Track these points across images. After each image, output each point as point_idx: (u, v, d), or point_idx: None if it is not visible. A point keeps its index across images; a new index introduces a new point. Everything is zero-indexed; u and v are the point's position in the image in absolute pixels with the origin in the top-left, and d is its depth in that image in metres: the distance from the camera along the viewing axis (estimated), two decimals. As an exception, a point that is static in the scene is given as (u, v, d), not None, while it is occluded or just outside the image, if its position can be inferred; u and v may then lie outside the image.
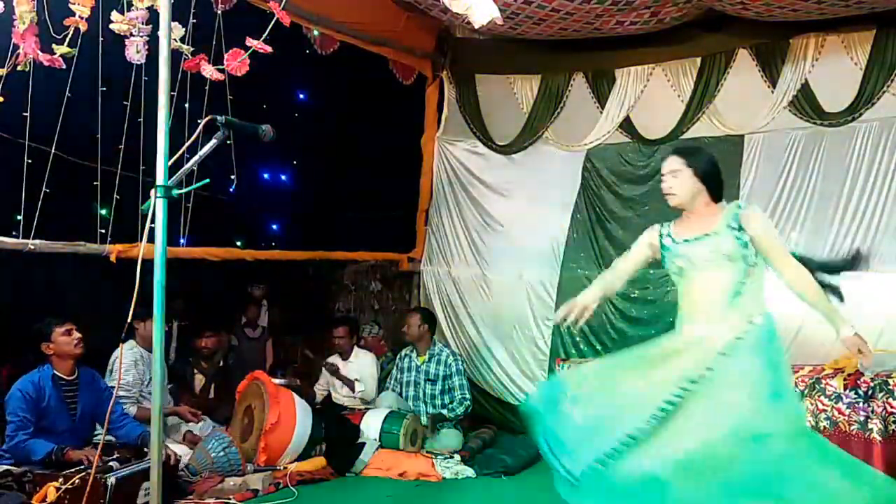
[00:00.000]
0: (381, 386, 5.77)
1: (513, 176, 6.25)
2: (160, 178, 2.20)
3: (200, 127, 2.33)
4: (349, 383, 5.62)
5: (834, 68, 5.18)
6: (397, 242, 6.57)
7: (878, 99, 5.03)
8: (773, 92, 5.37)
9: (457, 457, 4.92)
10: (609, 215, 5.94)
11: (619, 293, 5.81)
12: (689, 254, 3.00)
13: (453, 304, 6.44)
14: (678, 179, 3.01)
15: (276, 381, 5.20)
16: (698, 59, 5.66)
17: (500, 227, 6.28)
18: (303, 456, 4.75)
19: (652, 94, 5.83)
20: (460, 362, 5.49)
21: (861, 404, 3.88)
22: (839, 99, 5.16)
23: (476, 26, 2.68)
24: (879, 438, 3.79)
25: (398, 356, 5.72)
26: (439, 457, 4.88)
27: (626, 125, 5.89)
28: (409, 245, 6.64)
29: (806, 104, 5.26)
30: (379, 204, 5.95)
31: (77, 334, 3.95)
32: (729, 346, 2.83)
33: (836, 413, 3.93)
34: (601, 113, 5.93)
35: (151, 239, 2.17)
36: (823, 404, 3.96)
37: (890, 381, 3.86)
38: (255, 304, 6.45)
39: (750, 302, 2.90)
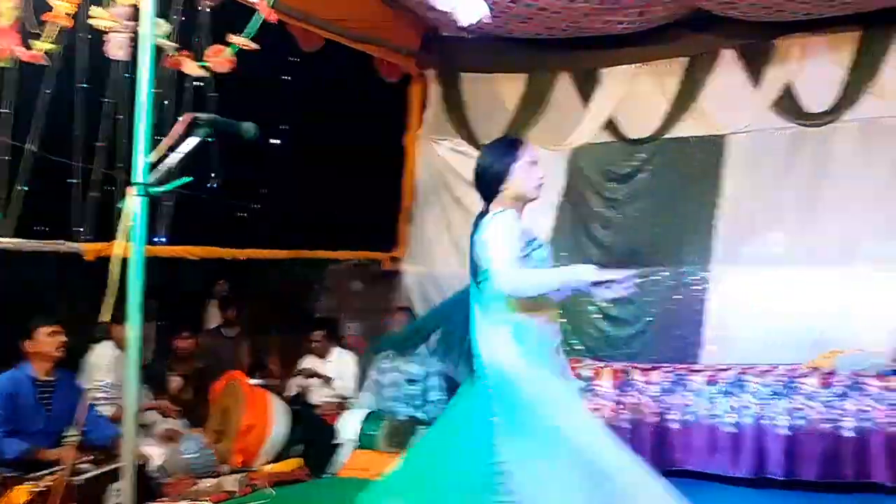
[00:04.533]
0: (362, 386, 5.73)
1: (497, 175, 6.22)
2: (139, 175, 2.16)
3: (181, 124, 2.30)
4: (328, 380, 5.58)
5: (817, 69, 5.23)
6: (380, 241, 6.52)
7: (861, 100, 5.09)
8: (757, 92, 5.41)
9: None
10: (592, 215, 5.95)
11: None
12: (540, 258, 2.66)
13: (434, 304, 6.41)
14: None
15: (253, 381, 5.15)
16: (683, 59, 5.67)
17: (483, 226, 6.25)
18: (279, 457, 4.71)
19: (637, 94, 5.83)
20: (441, 363, 5.46)
21: (836, 402, 3.94)
22: (822, 100, 5.21)
23: (464, 24, 2.66)
24: (852, 436, 3.84)
25: (379, 356, 5.67)
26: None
27: (611, 125, 5.89)
28: (392, 244, 6.61)
29: (789, 105, 5.31)
30: (362, 202, 5.92)
31: (62, 337, 3.89)
32: None
33: (811, 411, 3.99)
34: (586, 113, 5.93)
35: (130, 237, 2.13)
36: (799, 402, 4.02)
37: (863, 380, 3.92)
38: (230, 303, 6.40)
39: None
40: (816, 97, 5.24)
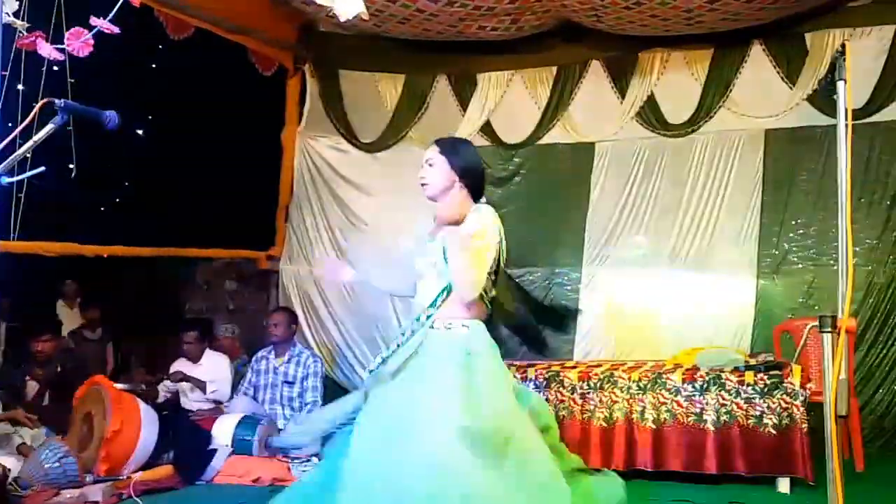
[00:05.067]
0: (235, 389, 5.55)
1: (377, 174, 6.22)
2: (-14, 165, 1.99)
3: (35, 110, 2.13)
4: (200, 384, 5.36)
5: (677, 82, 5.58)
6: (255, 240, 6.34)
7: (715, 113, 5.47)
8: (621, 102, 5.69)
9: (315, 460, 4.82)
10: (470, 217, 6.05)
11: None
12: (421, 255, 2.81)
13: (314, 304, 6.32)
14: (433, 169, 2.78)
15: (118, 385, 4.88)
16: (554, 69, 5.91)
17: (364, 225, 6.23)
18: (149, 464, 4.50)
19: (511, 100, 6.01)
20: (319, 364, 5.37)
21: (697, 397, 4.14)
22: (681, 112, 5.56)
23: (341, 19, 2.62)
24: (712, 429, 4.07)
25: (254, 358, 5.51)
26: (296, 461, 4.76)
27: (487, 129, 6.02)
28: (268, 243, 6.43)
29: (651, 115, 5.62)
30: (236, 199, 5.72)
31: None
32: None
33: (675, 406, 4.17)
34: (463, 116, 6.03)
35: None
36: (664, 398, 4.19)
37: (722, 375, 4.16)
38: (91, 303, 6.05)
39: (445, 312, 2.69)
40: (676, 109, 5.59)
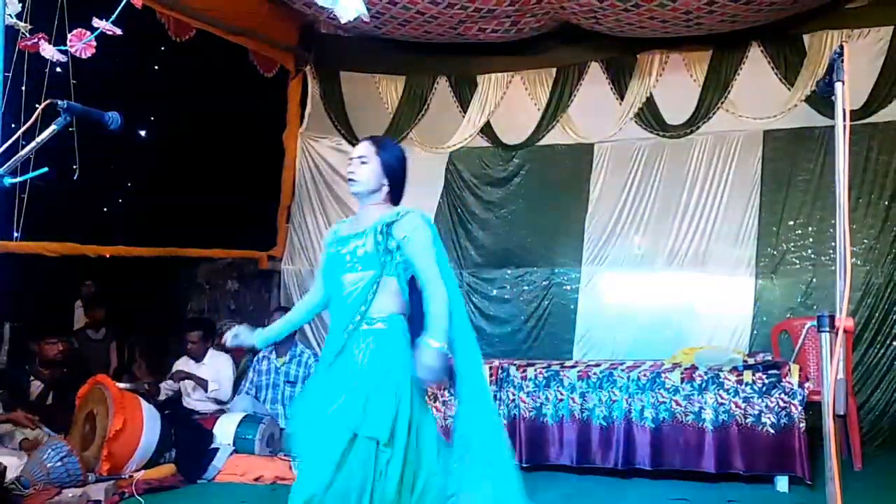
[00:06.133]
0: (237, 388, 5.57)
1: (377, 175, 6.22)
2: (-10, 165, 2.00)
3: (38, 111, 2.15)
4: (202, 383, 5.38)
5: (675, 84, 5.60)
6: (257, 240, 6.36)
7: (714, 114, 5.49)
8: (620, 104, 5.71)
9: (314, 459, 4.83)
10: (470, 217, 6.09)
11: (479, 292, 5.99)
12: (339, 251, 2.72)
13: (315, 304, 6.33)
14: (365, 167, 2.72)
15: (121, 384, 4.89)
16: (554, 70, 5.94)
17: (364, 225, 6.24)
18: (151, 463, 4.52)
19: (511, 101, 6.04)
20: (321, 363, 5.38)
21: (696, 396, 4.16)
22: (679, 113, 5.58)
23: (342, 21, 2.64)
24: (711, 428, 4.09)
25: (255, 358, 5.53)
26: (297, 459, 4.77)
27: (487, 130, 6.05)
28: (270, 243, 6.46)
29: (650, 116, 5.64)
30: (238, 199, 5.74)
31: None
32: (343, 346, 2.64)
33: (674, 405, 4.19)
34: (463, 117, 6.05)
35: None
36: (663, 397, 4.21)
37: (720, 374, 4.17)
38: (96, 303, 6.05)
39: (376, 307, 2.63)
40: (675, 110, 5.61)
